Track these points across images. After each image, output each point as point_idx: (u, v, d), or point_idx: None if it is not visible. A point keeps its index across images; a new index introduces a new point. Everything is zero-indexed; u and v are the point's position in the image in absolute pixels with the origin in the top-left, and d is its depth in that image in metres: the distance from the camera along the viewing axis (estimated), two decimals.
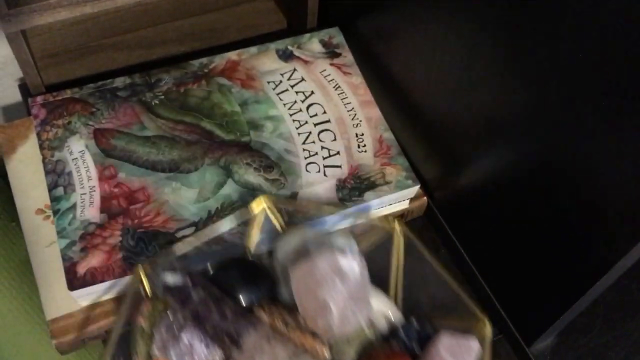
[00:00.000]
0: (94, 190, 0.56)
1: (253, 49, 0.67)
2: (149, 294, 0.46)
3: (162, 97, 0.63)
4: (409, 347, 0.48)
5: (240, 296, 0.47)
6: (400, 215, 0.62)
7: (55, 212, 0.55)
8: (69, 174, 0.57)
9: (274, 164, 0.59)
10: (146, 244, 0.54)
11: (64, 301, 0.53)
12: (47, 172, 0.57)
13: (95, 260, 0.53)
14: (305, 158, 0.60)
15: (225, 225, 0.50)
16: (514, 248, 0.53)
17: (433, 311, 0.51)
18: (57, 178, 0.57)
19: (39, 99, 0.62)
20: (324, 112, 0.63)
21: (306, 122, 0.62)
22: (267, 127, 0.62)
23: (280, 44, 0.68)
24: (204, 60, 0.66)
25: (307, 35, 0.69)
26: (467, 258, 0.59)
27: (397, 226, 0.50)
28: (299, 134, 0.61)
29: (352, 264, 0.46)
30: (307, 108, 0.63)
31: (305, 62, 0.67)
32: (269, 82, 0.65)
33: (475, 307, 0.48)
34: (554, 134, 0.44)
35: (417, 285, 0.51)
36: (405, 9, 0.57)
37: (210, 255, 0.51)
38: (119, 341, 0.46)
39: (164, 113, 0.62)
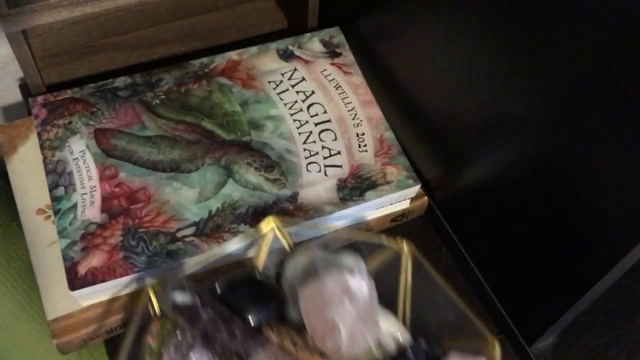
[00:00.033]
0: (95, 190, 0.56)
1: (254, 49, 0.67)
2: (157, 313, 0.46)
3: (163, 96, 0.63)
4: None
5: (249, 316, 0.47)
6: (401, 215, 0.62)
7: (56, 212, 0.55)
8: (70, 173, 0.57)
9: (274, 164, 0.59)
10: (147, 243, 0.54)
11: (64, 301, 0.53)
12: (47, 172, 0.57)
13: (96, 260, 0.53)
14: (306, 158, 0.60)
15: (234, 245, 0.50)
16: (514, 247, 0.53)
17: (441, 332, 0.50)
18: (58, 178, 0.57)
19: (40, 98, 0.62)
20: (325, 112, 0.63)
21: (307, 122, 0.62)
22: (267, 126, 0.62)
23: (280, 44, 0.68)
24: (205, 60, 0.66)
25: (308, 34, 0.69)
26: (467, 257, 0.59)
27: (405, 247, 0.50)
28: (299, 133, 0.61)
29: (361, 284, 0.46)
30: (308, 108, 0.63)
31: (306, 61, 0.67)
32: (269, 82, 0.65)
33: (485, 328, 0.48)
34: (554, 133, 0.44)
35: (425, 306, 0.51)
36: (406, 8, 0.57)
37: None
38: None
39: (164, 113, 0.62)
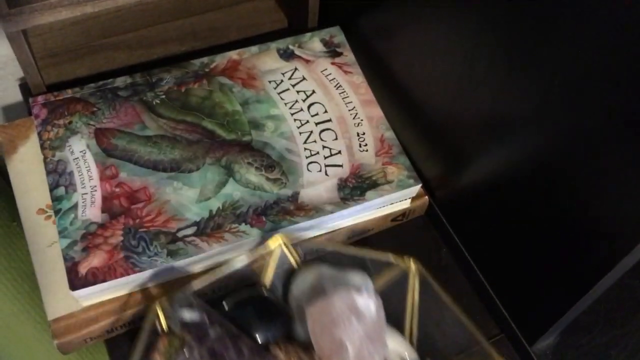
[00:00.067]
0: (95, 190, 0.56)
1: (254, 48, 0.67)
2: (165, 329, 0.46)
3: (163, 96, 0.63)
4: None
5: (257, 334, 0.47)
6: (402, 215, 0.62)
7: (56, 212, 0.55)
8: (70, 173, 0.57)
9: (275, 164, 0.59)
10: (148, 243, 0.54)
11: (65, 301, 0.53)
12: (48, 172, 0.57)
13: (96, 260, 0.53)
14: (307, 157, 0.60)
15: (241, 261, 0.50)
16: (515, 247, 0.53)
17: (448, 351, 0.50)
18: (59, 178, 0.57)
19: (40, 98, 0.62)
20: (325, 112, 0.63)
21: (307, 122, 0.62)
22: (268, 126, 0.62)
23: (281, 43, 0.68)
24: (205, 59, 0.66)
25: (308, 34, 0.69)
26: (468, 257, 0.59)
27: (413, 265, 0.50)
28: (300, 133, 0.61)
29: (369, 303, 0.46)
30: (308, 107, 0.63)
31: (307, 61, 0.67)
32: (270, 82, 0.65)
33: (492, 348, 0.48)
34: (555, 132, 0.44)
35: (432, 325, 0.51)
36: (407, 7, 0.57)
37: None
38: None
39: (165, 113, 0.62)
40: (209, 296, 0.52)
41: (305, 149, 0.60)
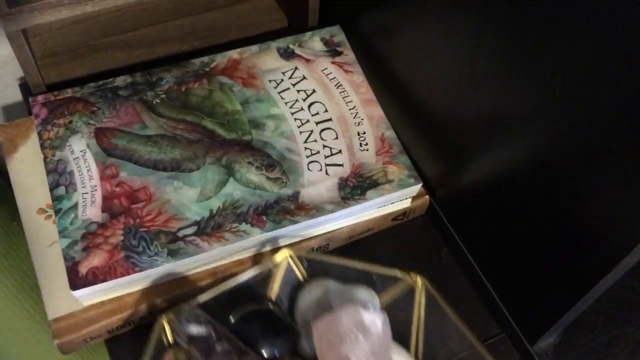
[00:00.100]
0: (96, 190, 0.56)
1: (254, 48, 0.67)
2: (171, 343, 0.46)
3: (164, 96, 0.63)
4: None
5: (262, 349, 0.47)
6: (402, 214, 0.62)
7: (56, 212, 0.55)
8: (71, 173, 0.57)
9: (275, 163, 0.59)
10: (148, 243, 0.54)
11: (65, 301, 0.53)
12: (48, 172, 0.57)
13: (97, 259, 0.53)
14: (307, 157, 0.60)
15: (247, 275, 0.50)
16: (516, 246, 0.53)
17: None
18: (59, 177, 0.57)
19: (40, 98, 0.62)
20: (326, 111, 0.63)
21: (308, 121, 0.62)
22: (268, 125, 0.62)
23: (281, 43, 0.68)
24: (205, 59, 0.66)
25: (309, 33, 0.69)
26: (469, 256, 0.59)
27: (419, 281, 0.50)
28: (300, 132, 0.61)
29: (375, 320, 0.45)
30: (309, 106, 0.63)
31: (307, 60, 0.67)
32: (270, 81, 0.65)
33: None
34: (555, 132, 0.44)
35: (438, 342, 0.51)
36: (407, 7, 0.57)
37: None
38: None
39: (165, 112, 0.62)
40: (215, 309, 0.52)
41: (305, 148, 0.60)
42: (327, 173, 0.59)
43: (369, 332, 0.45)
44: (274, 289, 0.51)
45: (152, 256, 0.53)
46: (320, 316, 0.46)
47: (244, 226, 0.55)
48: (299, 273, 0.51)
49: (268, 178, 0.58)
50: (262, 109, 0.62)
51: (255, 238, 0.55)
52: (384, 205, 0.60)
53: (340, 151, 0.60)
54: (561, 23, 0.40)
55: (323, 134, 0.61)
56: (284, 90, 0.64)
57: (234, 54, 0.66)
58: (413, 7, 0.56)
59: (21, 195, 0.59)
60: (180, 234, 0.54)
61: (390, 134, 0.62)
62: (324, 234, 0.58)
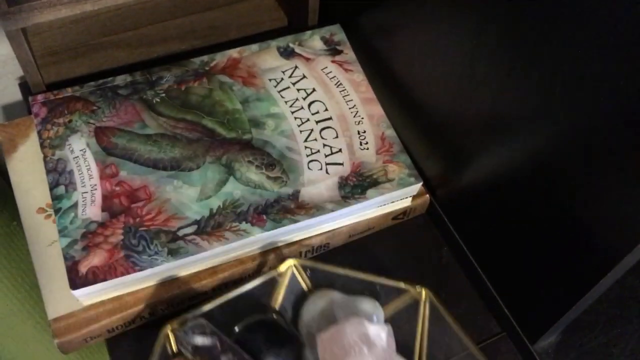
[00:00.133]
0: (96, 189, 0.56)
1: (254, 47, 0.67)
2: (175, 353, 0.46)
3: (163, 95, 0.63)
4: None
5: None
6: (403, 213, 0.62)
7: (56, 211, 0.55)
8: (70, 172, 0.57)
9: (275, 162, 0.59)
10: (148, 242, 0.54)
11: (65, 300, 0.53)
12: (48, 171, 0.57)
13: (97, 259, 0.53)
14: (307, 156, 0.60)
15: (251, 284, 0.50)
16: (517, 245, 0.53)
17: None
18: (59, 177, 0.57)
19: (40, 97, 0.62)
20: (326, 110, 0.63)
21: (308, 120, 0.62)
22: (268, 124, 0.61)
23: (281, 42, 0.68)
24: (205, 58, 0.66)
25: (309, 32, 0.69)
26: (469, 256, 0.59)
27: (424, 293, 0.50)
28: (300, 131, 0.61)
29: (380, 332, 0.45)
30: (309, 105, 0.63)
31: (307, 59, 0.67)
32: (270, 80, 0.65)
33: None
34: (555, 132, 0.44)
35: (442, 354, 0.51)
36: (407, 6, 0.57)
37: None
38: None
39: (165, 111, 0.62)
40: (218, 319, 0.52)
41: (305, 147, 0.60)
42: (327, 172, 0.59)
43: (374, 344, 0.45)
44: (278, 298, 0.51)
45: (152, 255, 0.53)
46: (324, 328, 0.46)
47: (244, 225, 0.55)
48: (303, 283, 0.51)
49: (268, 177, 0.58)
50: (262, 108, 0.62)
51: (255, 237, 0.55)
52: (384, 204, 0.60)
53: (340, 150, 0.60)
54: (561, 23, 0.40)
55: (323, 132, 0.61)
56: (284, 89, 0.64)
57: (234, 52, 0.66)
58: (413, 6, 0.56)
59: (21, 195, 0.59)
60: (181, 233, 0.54)
61: (390, 132, 0.62)
62: (324, 233, 0.58)
